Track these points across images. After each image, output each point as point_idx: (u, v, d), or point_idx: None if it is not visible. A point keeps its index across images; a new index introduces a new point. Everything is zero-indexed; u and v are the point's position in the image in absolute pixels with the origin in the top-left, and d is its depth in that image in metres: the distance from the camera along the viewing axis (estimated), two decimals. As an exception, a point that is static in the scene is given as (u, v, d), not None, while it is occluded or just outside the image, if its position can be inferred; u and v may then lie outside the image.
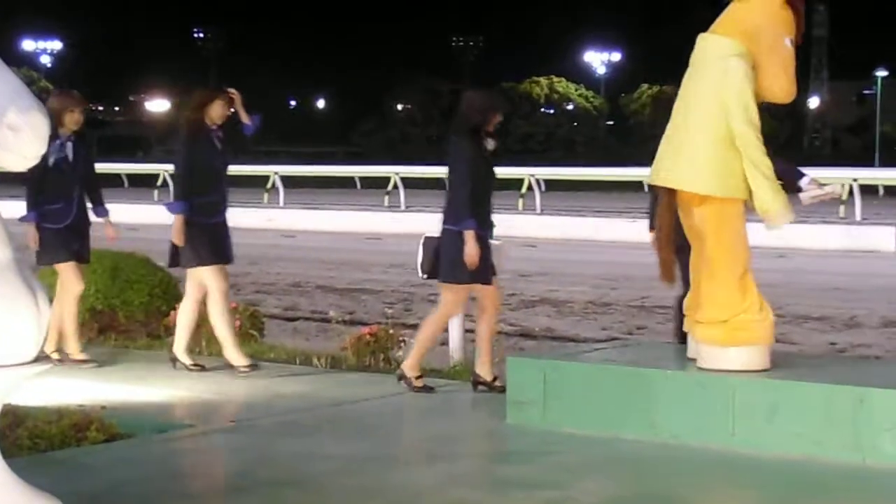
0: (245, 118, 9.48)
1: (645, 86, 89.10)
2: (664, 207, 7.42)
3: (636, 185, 37.35)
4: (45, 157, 4.91)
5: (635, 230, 22.14)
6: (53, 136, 8.53)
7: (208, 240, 9.20)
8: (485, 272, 8.38)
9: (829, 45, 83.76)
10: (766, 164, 7.01)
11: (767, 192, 6.99)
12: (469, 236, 8.22)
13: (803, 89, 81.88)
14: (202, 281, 9.23)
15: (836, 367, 8.05)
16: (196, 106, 9.37)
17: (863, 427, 6.65)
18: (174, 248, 9.26)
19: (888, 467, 6.51)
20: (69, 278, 9.41)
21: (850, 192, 27.23)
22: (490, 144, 8.52)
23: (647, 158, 8.62)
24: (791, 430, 6.80)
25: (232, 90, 9.40)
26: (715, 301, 7.18)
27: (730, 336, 7.13)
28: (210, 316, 9.25)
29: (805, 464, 6.63)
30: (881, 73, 71.17)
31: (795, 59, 7.25)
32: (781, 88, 7.21)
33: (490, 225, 8.53)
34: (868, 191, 31.47)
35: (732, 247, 7.12)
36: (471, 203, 8.31)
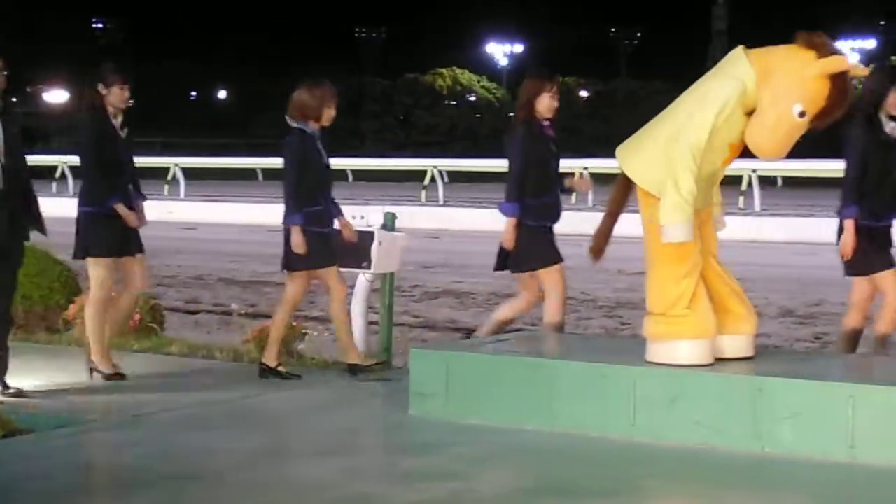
0: None
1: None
2: (618, 187, 7.45)
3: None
4: None
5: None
6: None
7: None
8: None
9: (730, 39, 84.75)
10: (685, 184, 6.91)
11: (668, 206, 6.94)
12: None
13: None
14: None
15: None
16: (526, 100, 8.79)
17: (762, 416, 6.75)
18: (505, 251, 8.82)
19: (786, 456, 6.62)
20: None
21: (749, 184, 27.60)
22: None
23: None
24: (691, 419, 6.88)
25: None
26: (652, 294, 7.22)
27: (660, 330, 7.15)
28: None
29: (705, 453, 6.72)
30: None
31: (800, 130, 7.00)
32: (753, 137, 7.01)
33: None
34: (766, 182, 31.90)
35: (675, 245, 7.03)
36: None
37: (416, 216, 24.63)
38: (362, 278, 9.56)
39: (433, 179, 32.34)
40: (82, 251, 8.83)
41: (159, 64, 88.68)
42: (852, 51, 75.16)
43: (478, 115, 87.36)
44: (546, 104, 8.72)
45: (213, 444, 6.91)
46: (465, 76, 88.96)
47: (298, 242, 8.64)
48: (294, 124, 8.84)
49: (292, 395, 8.31)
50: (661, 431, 6.94)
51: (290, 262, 8.81)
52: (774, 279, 16.25)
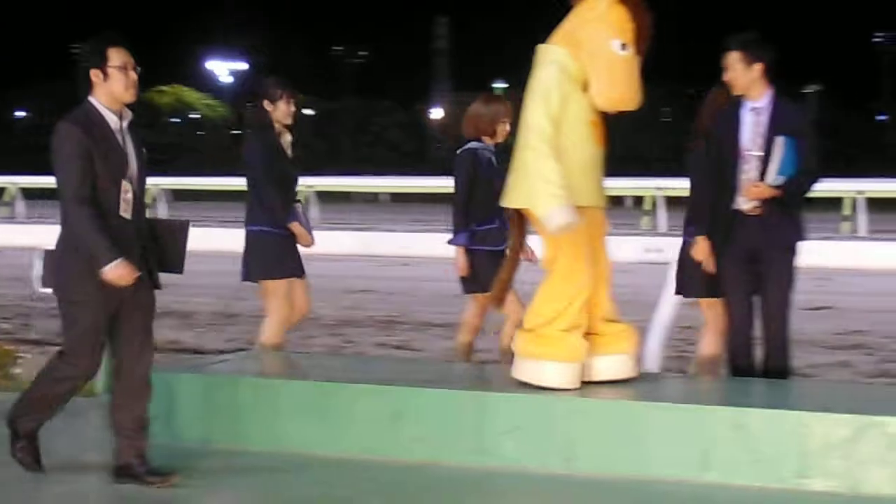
0: None
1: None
2: (511, 227, 7.35)
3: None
4: None
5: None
6: None
7: None
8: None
9: (452, 57, 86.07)
10: (542, 168, 6.71)
11: (540, 196, 6.73)
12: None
13: (423, 100, 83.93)
14: None
15: (460, 372, 8.23)
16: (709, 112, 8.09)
17: (485, 430, 6.84)
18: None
19: (509, 469, 6.71)
20: None
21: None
22: None
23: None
24: (414, 435, 6.92)
25: None
26: (531, 309, 7.06)
27: (529, 348, 7.00)
28: None
29: (429, 468, 6.76)
30: (499, 84, 73.64)
31: (634, 64, 6.88)
32: (601, 94, 6.86)
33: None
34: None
35: (568, 261, 6.92)
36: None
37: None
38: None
39: (154, 199, 31.74)
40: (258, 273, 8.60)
41: None
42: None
43: (201, 133, 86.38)
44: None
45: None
46: (187, 93, 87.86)
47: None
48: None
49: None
50: (385, 448, 6.94)
51: (465, 285, 8.74)
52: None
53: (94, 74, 6.22)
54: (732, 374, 7.95)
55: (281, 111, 8.54)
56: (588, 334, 7.07)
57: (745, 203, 7.73)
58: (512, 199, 7.03)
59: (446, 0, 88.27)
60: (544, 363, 6.92)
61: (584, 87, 6.88)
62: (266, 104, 8.58)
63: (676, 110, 67.08)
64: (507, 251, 7.56)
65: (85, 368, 6.34)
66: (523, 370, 7.02)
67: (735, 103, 7.86)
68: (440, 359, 11.07)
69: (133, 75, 6.29)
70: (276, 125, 8.56)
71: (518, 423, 6.79)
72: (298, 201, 8.82)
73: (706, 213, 7.99)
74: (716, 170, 7.90)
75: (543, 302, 7.00)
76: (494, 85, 74.38)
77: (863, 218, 25.17)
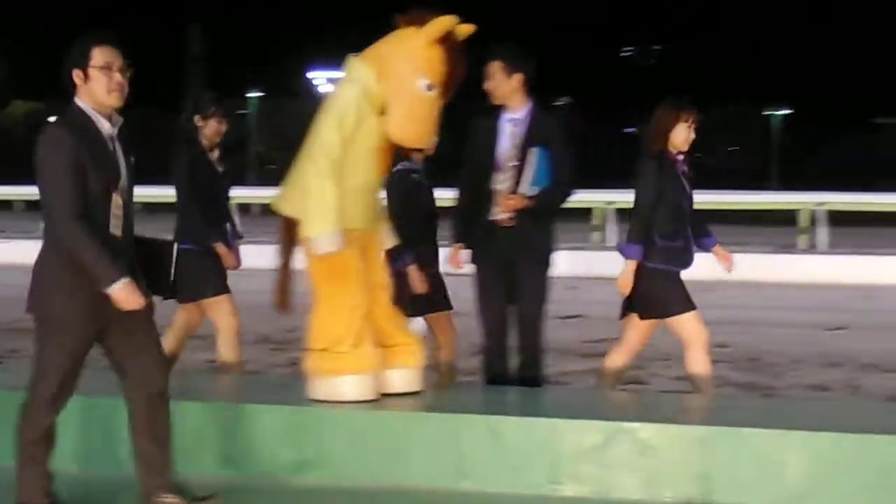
0: None
1: (19, 101, 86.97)
2: (280, 232, 7.10)
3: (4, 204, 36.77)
4: None
5: (13, 251, 21.49)
6: None
7: None
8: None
9: (207, 64, 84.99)
10: (320, 188, 6.61)
11: (311, 216, 6.62)
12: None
13: (176, 109, 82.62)
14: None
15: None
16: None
17: (237, 442, 6.76)
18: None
19: (261, 482, 6.68)
20: None
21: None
22: None
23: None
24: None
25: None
26: (314, 328, 6.91)
27: (323, 366, 6.88)
28: None
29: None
30: (254, 93, 72.98)
31: (436, 104, 6.78)
32: (396, 126, 6.73)
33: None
34: (244, 210, 32.11)
35: (339, 277, 6.79)
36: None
37: None
38: None
39: None
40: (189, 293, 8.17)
41: None
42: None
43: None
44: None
45: None
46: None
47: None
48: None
49: None
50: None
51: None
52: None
53: (76, 75, 5.62)
54: (487, 382, 8.04)
55: (211, 128, 8.47)
56: (378, 347, 7.04)
57: (499, 214, 7.84)
58: (285, 206, 6.95)
59: (201, 7, 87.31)
60: (340, 378, 6.87)
61: (381, 112, 6.80)
62: (198, 119, 8.45)
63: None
64: (281, 259, 7.35)
65: (52, 397, 5.70)
66: (319, 389, 6.94)
67: (493, 114, 7.97)
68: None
69: (118, 77, 5.62)
70: (205, 142, 8.47)
71: (274, 435, 6.76)
72: (228, 219, 8.69)
73: (462, 223, 8.08)
74: (472, 180, 7.99)
75: (326, 321, 6.89)
76: (249, 95, 73.85)
77: (612, 228, 25.85)
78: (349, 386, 6.87)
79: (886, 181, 41.89)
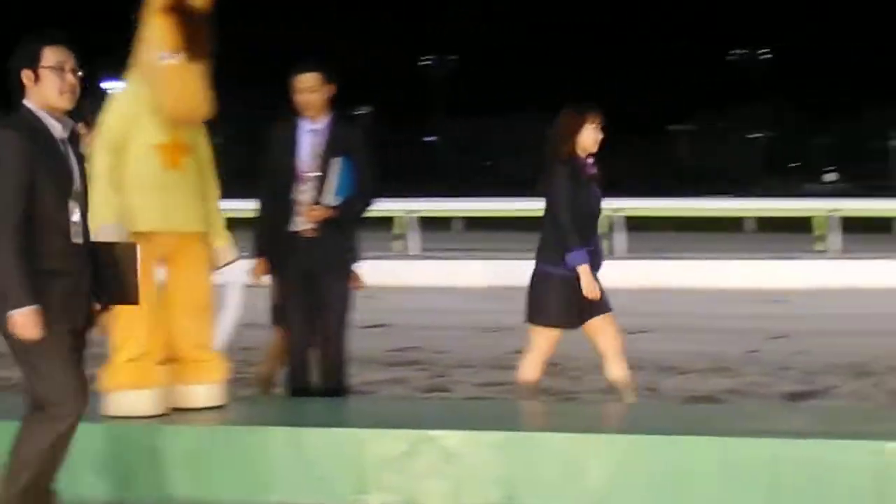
0: None
1: None
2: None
3: None
4: None
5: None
6: None
7: None
8: None
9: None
10: (102, 188, 6.47)
11: (97, 204, 6.21)
12: None
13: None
14: None
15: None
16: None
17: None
18: None
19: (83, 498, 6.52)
20: None
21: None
22: None
23: None
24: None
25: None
26: (113, 342, 6.75)
27: (108, 380, 6.74)
28: None
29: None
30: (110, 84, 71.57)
31: (182, 72, 6.72)
32: (161, 108, 6.68)
33: None
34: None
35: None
36: None
37: None
38: None
39: None
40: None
41: None
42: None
43: None
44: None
45: None
46: None
47: None
48: None
49: None
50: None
51: None
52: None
53: (26, 76, 5.42)
54: (291, 393, 8.01)
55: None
56: (177, 362, 6.95)
57: (302, 224, 7.81)
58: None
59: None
60: (122, 393, 6.75)
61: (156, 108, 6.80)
62: (81, 127, 8.11)
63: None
64: None
65: (73, 410, 5.48)
66: (106, 404, 6.81)
67: (290, 124, 7.93)
68: None
69: (70, 78, 5.43)
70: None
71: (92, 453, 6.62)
72: None
73: (264, 234, 8.03)
74: (273, 191, 7.94)
75: (116, 333, 6.74)
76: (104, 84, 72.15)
77: (414, 237, 25.95)
78: (131, 401, 6.76)
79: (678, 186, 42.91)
